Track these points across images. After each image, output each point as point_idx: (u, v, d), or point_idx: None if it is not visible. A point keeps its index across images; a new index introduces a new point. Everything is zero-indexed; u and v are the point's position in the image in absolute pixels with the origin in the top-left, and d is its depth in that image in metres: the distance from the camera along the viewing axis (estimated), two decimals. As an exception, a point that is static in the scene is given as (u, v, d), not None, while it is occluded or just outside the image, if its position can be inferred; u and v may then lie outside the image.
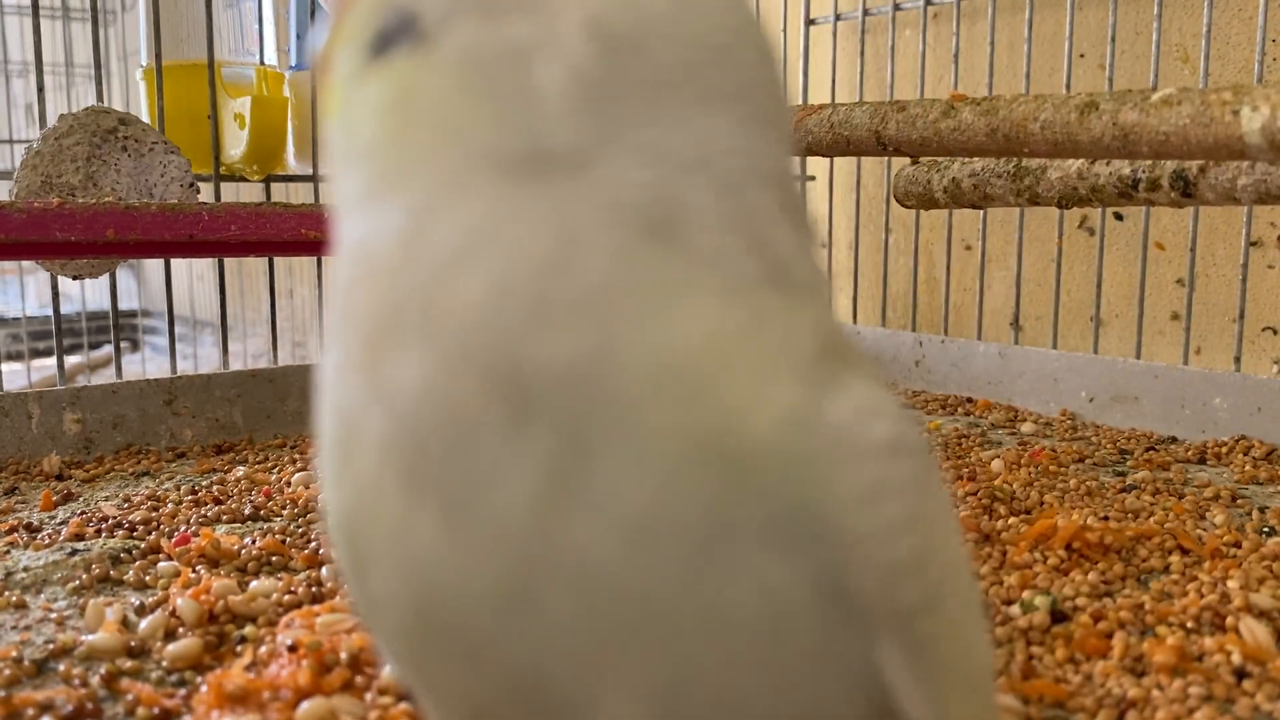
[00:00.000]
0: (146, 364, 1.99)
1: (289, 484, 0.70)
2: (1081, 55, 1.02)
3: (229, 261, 1.14)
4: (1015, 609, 0.49)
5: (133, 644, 0.45)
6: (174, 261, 0.96)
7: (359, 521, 0.22)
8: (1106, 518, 0.61)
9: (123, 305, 2.21)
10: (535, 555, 0.20)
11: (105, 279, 0.92)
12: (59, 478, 0.75)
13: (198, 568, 0.54)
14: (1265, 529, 0.61)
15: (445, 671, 0.22)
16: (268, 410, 0.89)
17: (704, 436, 0.20)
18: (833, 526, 0.20)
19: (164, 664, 0.44)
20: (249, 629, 0.47)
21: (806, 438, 0.20)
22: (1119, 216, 1.01)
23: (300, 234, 0.75)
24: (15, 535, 0.60)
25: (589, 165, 0.22)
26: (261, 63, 1.08)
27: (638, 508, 0.20)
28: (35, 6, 0.83)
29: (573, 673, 0.20)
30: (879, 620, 0.21)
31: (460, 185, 0.22)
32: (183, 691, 0.42)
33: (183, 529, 0.61)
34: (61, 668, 0.44)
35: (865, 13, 1.15)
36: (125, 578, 0.54)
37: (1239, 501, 0.66)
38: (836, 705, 0.22)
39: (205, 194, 0.90)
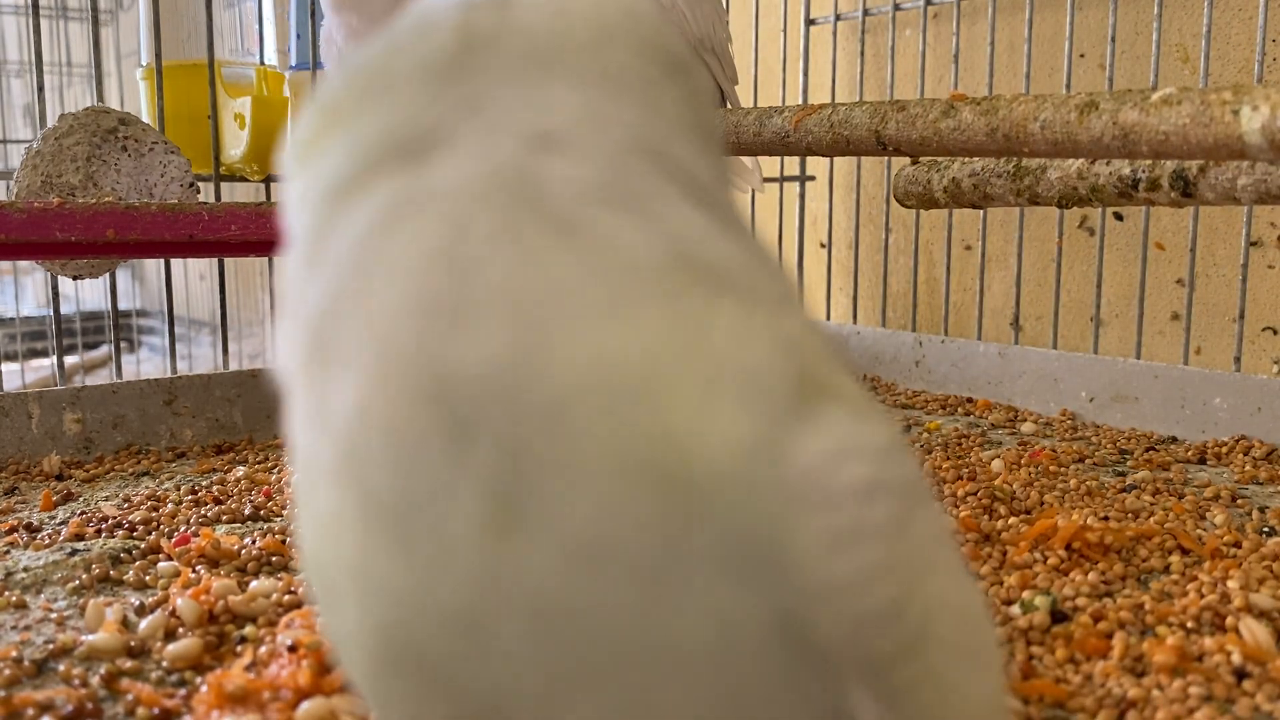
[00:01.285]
0: (143, 364, 1.99)
1: (289, 484, 0.70)
2: (1081, 55, 1.02)
3: (229, 260, 1.14)
4: (1015, 609, 0.49)
5: (133, 644, 0.45)
6: (172, 261, 0.96)
7: (324, 554, 0.22)
8: (1106, 518, 0.61)
9: (119, 305, 2.21)
10: (487, 582, 0.19)
11: (103, 279, 0.92)
12: (59, 478, 0.75)
13: (198, 568, 0.54)
14: (1265, 529, 0.61)
15: (407, 704, 0.21)
16: (268, 410, 0.89)
17: (645, 454, 0.19)
18: (797, 574, 0.19)
19: (164, 664, 0.44)
20: (249, 629, 0.47)
21: (768, 476, 0.19)
22: (1119, 216, 1.01)
23: (300, 234, 0.75)
24: (15, 535, 0.60)
25: (452, 143, 0.21)
26: (261, 63, 1.08)
27: (583, 529, 0.19)
28: (34, 6, 0.83)
29: (529, 704, 0.20)
30: (851, 669, 0.20)
31: (366, 180, 0.22)
32: (183, 691, 0.42)
33: (183, 529, 0.61)
34: (61, 668, 0.44)
35: (865, 13, 1.15)
36: (125, 578, 0.54)
37: (1239, 501, 0.66)
38: None
39: (205, 194, 0.90)
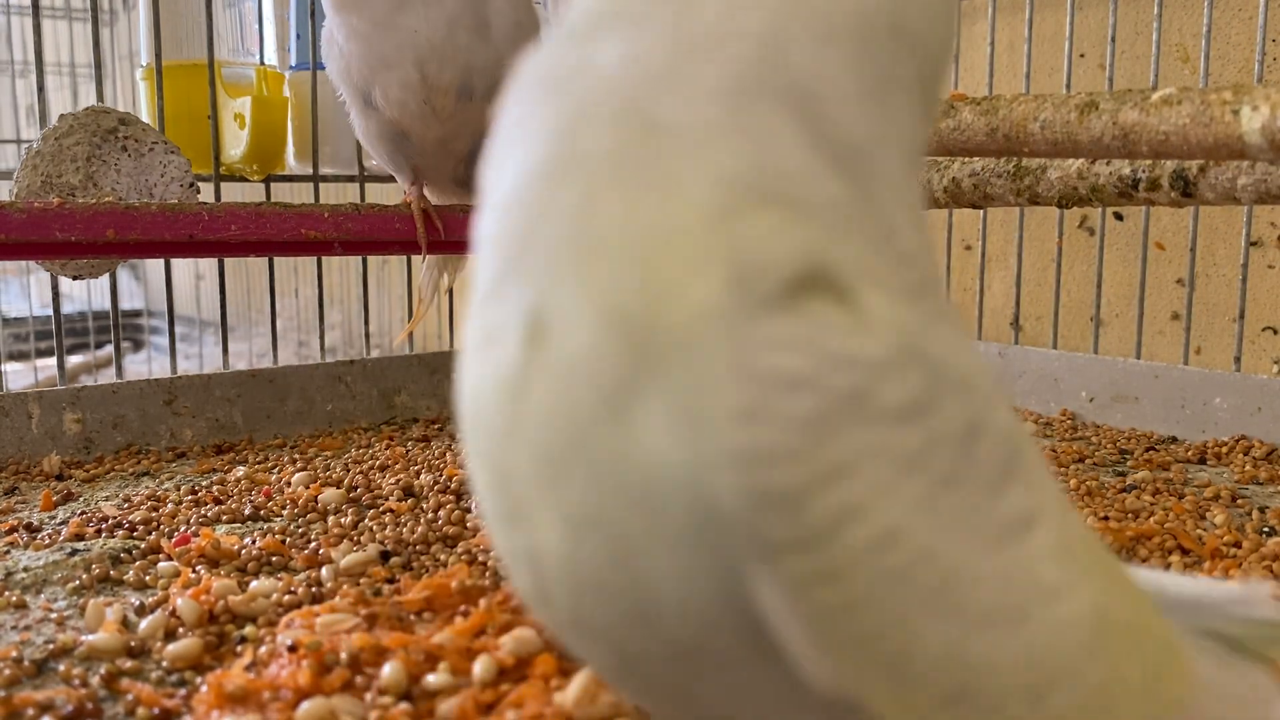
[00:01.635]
0: (151, 363, 1.99)
1: (289, 484, 0.70)
2: (1081, 55, 1.02)
3: (234, 261, 1.14)
4: (1015, 609, 0.49)
5: (133, 644, 0.45)
6: (176, 261, 0.96)
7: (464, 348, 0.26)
8: (1106, 518, 0.61)
9: (126, 305, 2.22)
10: (516, 382, 0.24)
11: (106, 279, 0.92)
12: (59, 478, 0.75)
13: (198, 568, 0.54)
14: (1265, 529, 0.61)
15: (473, 458, 0.26)
16: (268, 410, 0.89)
17: (626, 304, 0.22)
18: (708, 437, 0.22)
19: (164, 664, 0.44)
20: (249, 629, 0.47)
21: (717, 344, 0.22)
22: (1119, 216, 1.01)
23: (300, 234, 0.75)
24: (15, 535, 0.60)
25: (624, 30, 0.25)
26: (261, 63, 1.08)
27: (571, 356, 0.23)
28: (36, 6, 0.83)
29: (524, 484, 0.24)
30: (744, 544, 0.22)
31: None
32: (183, 691, 0.42)
33: (183, 529, 0.61)
34: (61, 668, 0.44)
35: (865, 13, 1.15)
36: (125, 578, 0.54)
37: (1239, 501, 0.66)
38: (709, 608, 0.23)
39: (205, 194, 0.91)
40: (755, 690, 0.24)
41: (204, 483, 0.72)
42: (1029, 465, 0.25)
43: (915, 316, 0.24)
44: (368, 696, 0.40)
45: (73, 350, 1.89)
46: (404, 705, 0.40)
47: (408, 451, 0.80)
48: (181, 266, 2.00)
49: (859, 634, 0.23)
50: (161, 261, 0.99)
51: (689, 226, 0.22)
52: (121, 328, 0.99)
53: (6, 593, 0.52)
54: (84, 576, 0.53)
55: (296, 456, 0.80)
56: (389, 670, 0.41)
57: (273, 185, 1.03)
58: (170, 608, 0.48)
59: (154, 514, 0.63)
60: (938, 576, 0.23)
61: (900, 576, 0.23)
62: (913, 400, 0.23)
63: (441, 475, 0.72)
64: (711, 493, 0.22)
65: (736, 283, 0.22)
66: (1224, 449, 0.79)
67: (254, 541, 0.57)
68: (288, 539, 0.59)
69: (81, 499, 0.69)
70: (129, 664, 0.44)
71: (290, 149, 1.03)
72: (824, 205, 0.24)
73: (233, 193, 1.00)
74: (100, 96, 0.90)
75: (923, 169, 0.77)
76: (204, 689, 0.41)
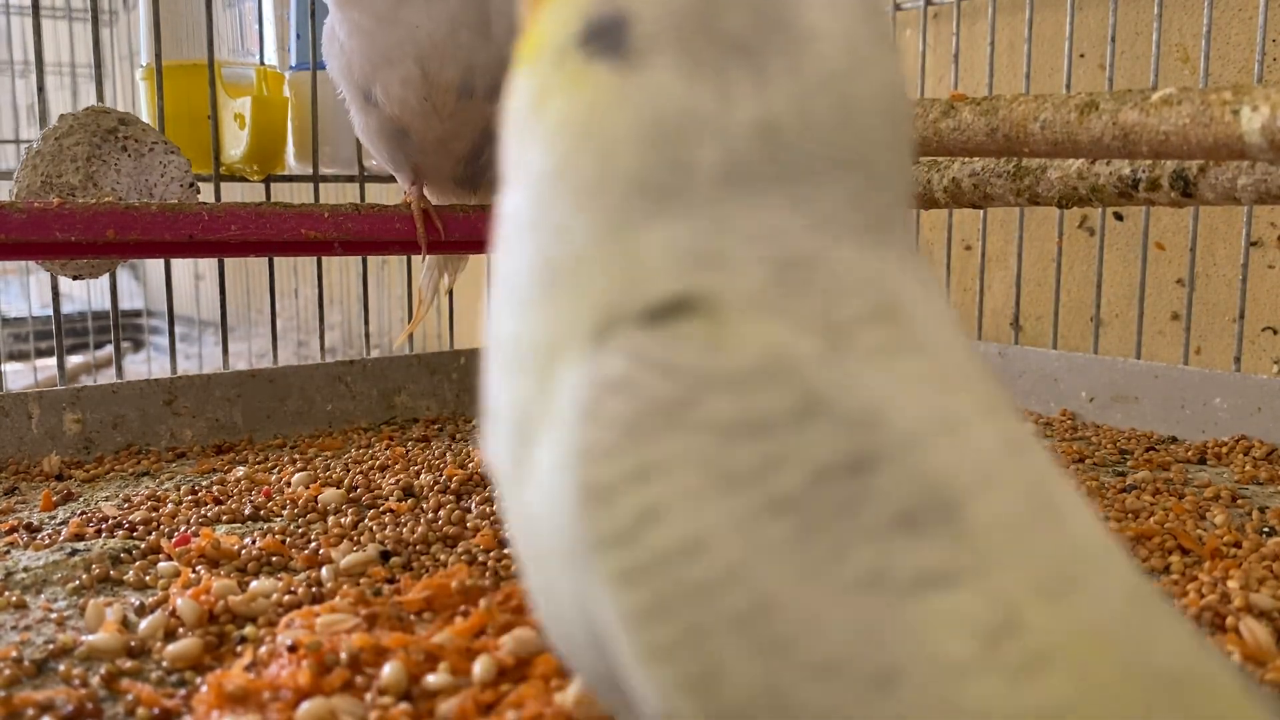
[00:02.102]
0: (150, 364, 1.99)
1: (289, 484, 0.70)
2: (1081, 55, 1.02)
3: (234, 261, 1.14)
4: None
5: (133, 644, 0.45)
6: (175, 261, 0.96)
7: None
8: (1106, 518, 0.61)
9: (127, 305, 2.22)
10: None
11: (106, 279, 0.92)
12: (59, 478, 0.75)
13: (198, 568, 0.54)
14: (1265, 529, 0.61)
15: None
16: (268, 410, 0.89)
17: (533, 364, 0.25)
18: (566, 435, 0.24)
19: (164, 664, 0.44)
20: (249, 629, 0.47)
21: (579, 364, 0.24)
22: (1119, 216, 1.01)
23: (300, 234, 0.75)
24: (15, 535, 0.60)
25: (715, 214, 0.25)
26: (261, 63, 1.08)
27: (501, 406, 0.26)
28: (36, 6, 0.83)
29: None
30: (579, 537, 0.23)
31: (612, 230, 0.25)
32: (183, 691, 0.42)
33: (183, 529, 0.61)
34: (61, 668, 0.44)
35: (865, 13, 1.15)
36: (125, 578, 0.54)
37: (1239, 501, 0.66)
38: (579, 608, 0.24)
39: (205, 194, 0.91)
40: (621, 706, 0.25)
41: (204, 483, 0.72)
42: (978, 524, 0.22)
43: (812, 345, 0.23)
44: (368, 696, 0.40)
45: (72, 350, 1.89)
46: (404, 705, 0.40)
47: (408, 451, 0.80)
48: (181, 266, 2.00)
49: (662, 643, 0.22)
50: (161, 261, 0.99)
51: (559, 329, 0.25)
52: (121, 328, 0.99)
53: (6, 593, 0.52)
54: (84, 576, 0.53)
55: (296, 456, 0.80)
56: (389, 670, 0.41)
57: (273, 185, 1.03)
58: (170, 608, 0.48)
59: (154, 514, 0.63)
60: (750, 602, 0.21)
61: (704, 591, 0.22)
62: (753, 418, 0.22)
63: (441, 475, 0.72)
64: (564, 488, 0.23)
65: (606, 313, 0.24)
66: (1224, 449, 0.79)
67: (254, 541, 0.57)
68: (288, 539, 0.59)
69: (81, 499, 0.69)
70: (129, 664, 0.44)
71: (290, 149, 1.03)
72: (731, 258, 0.24)
73: (233, 193, 1.00)
74: (100, 96, 0.90)
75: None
76: (204, 689, 0.41)
